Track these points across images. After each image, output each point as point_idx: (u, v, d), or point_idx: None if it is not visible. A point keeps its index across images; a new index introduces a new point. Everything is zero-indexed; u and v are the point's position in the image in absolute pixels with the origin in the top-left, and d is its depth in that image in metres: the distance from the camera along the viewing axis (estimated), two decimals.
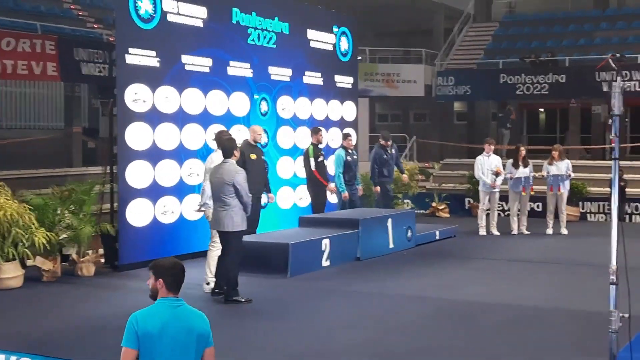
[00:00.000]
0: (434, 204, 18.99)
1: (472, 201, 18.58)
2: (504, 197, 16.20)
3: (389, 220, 13.16)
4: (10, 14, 16.29)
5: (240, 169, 9.28)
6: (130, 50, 11.35)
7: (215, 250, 9.64)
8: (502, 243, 14.45)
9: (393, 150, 15.25)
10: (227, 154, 9.39)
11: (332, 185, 13.47)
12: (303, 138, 14.35)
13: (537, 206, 17.44)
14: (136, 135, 11.41)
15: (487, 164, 15.15)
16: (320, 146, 13.84)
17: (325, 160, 14.05)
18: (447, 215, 18.79)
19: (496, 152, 16.32)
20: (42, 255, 10.50)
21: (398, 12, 30.45)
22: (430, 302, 9.51)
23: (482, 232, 15.33)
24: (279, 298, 9.76)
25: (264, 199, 12.36)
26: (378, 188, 14.77)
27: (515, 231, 15.37)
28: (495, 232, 15.32)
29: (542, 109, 29.99)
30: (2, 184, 10.39)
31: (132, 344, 4.43)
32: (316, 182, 13.48)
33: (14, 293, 9.93)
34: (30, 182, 13.01)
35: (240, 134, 12.64)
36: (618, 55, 6.49)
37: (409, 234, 13.70)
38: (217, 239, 9.57)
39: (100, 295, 9.96)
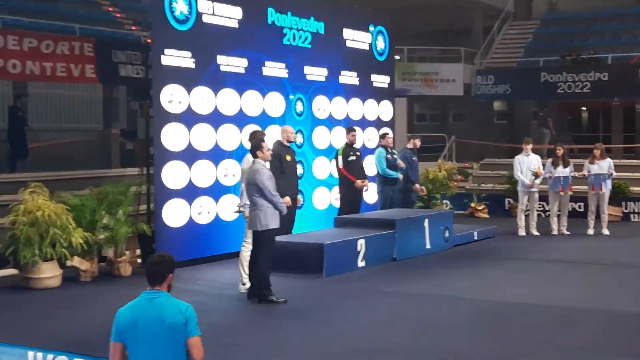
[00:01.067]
0: (472, 205, 18.81)
1: (511, 201, 18.37)
2: (544, 197, 15.99)
3: (426, 220, 13.05)
4: (50, 17, 16.47)
5: (263, 168, 9.20)
6: (166, 51, 11.41)
7: (247, 251, 9.63)
8: (542, 244, 14.25)
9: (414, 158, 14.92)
10: (252, 154, 9.38)
11: (359, 181, 13.31)
12: (339, 138, 14.29)
13: (579, 206, 17.17)
14: (172, 136, 11.46)
15: (526, 164, 14.97)
16: (355, 146, 13.74)
17: (361, 160, 13.90)
18: (486, 215, 18.60)
19: (537, 151, 16.11)
20: (80, 256, 10.59)
21: (436, 11, 30.27)
22: (468, 303, 9.40)
23: (522, 232, 15.14)
24: (314, 299, 9.72)
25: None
26: (417, 186, 14.55)
27: (555, 231, 15.16)
28: (535, 232, 15.12)
29: (584, 108, 29.57)
30: (40, 185, 10.49)
31: (115, 337, 4.66)
32: (344, 180, 13.39)
33: (52, 292, 10.04)
34: (69, 184, 13.12)
35: (275, 135, 12.64)
36: None
37: (447, 234, 13.58)
38: (249, 240, 9.56)
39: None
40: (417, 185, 14.43)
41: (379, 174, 14.19)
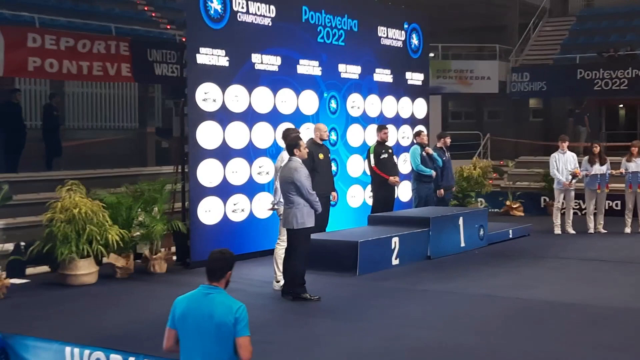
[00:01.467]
0: (507, 203, 18.69)
1: (547, 199, 18.21)
2: (580, 195, 15.83)
3: (461, 218, 12.98)
4: (86, 17, 16.63)
5: (301, 167, 9.22)
6: (201, 50, 11.48)
7: (281, 249, 9.66)
8: (578, 242, 14.11)
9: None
10: (289, 152, 9.40)
11: (392, 178, 13.24)
12: (373, 136, 14.25)
13: (616, 204, 16.95)
14: (207, 135, 11.54)
15: (562, 162, 14.84)
16: (388, 144, 13.69)
17: (393, 158, 13.83)
18: (522, 213, 18.46)
19: (573, 149, 15.95)
20: (116, 253, 10.69)
21: (471, 8, 30.08)
22: (502, 302, 9.34)
23: (557, 230, 15.01)
24: (348, 296, 9.72)
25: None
26: (442, 191, 14.44)
27: (591, 230, 15.00)
28: (571, 230, 14.98)
29: (621, 105, 29.20)
30: (77, 183, 10.61)
31: (170, 323, 4.84)
32: (376, 177, 13.35)
33: (89, 289, 10.16)
34: (105, 181, 13.24)
35: (309, 133, 12.65)
36: None
37: (481, 232, 13.50)
38: (284, 237, 9.59)
39: (172, 292, 9.98)
40: (441, 191, 14.25)
41: (413, 171, 14.14)
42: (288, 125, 12.11)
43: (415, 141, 14.49)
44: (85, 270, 10.32)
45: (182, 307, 4.80)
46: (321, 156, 11.65)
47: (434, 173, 13.98)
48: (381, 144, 13.43)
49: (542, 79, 24.77)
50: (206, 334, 4.65)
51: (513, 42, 28.70)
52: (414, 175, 14.24)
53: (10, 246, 10.75)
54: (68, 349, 6.97)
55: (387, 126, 13.97)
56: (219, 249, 5.14)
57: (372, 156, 13.28)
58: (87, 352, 6.88)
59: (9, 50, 13.31)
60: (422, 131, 14.65)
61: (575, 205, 16.06)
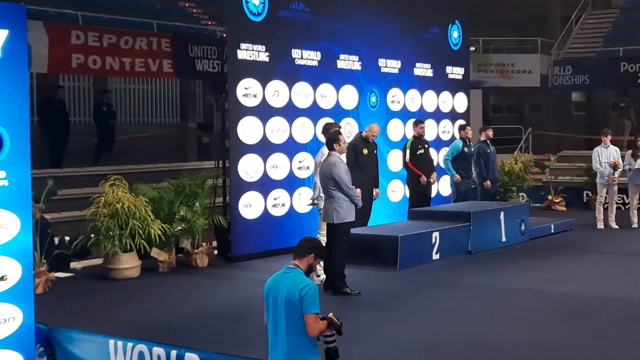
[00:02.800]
0: (549, 197, 18.50)
1: (590, 194, 17.99)
2: (623, 190, 15.62)
3: (502, 213, 12.90)
4: (128, 13, 16.80)
5: (340, 161, 9.21)
6: (241, 45, 11.55)
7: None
8: (621, 237, 13.93)
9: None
10: (328, 147, 9.40)
11: (424, 178, 13.15)
12: (412, 131, 14.20)
13: None
14: (247, 130, 11.61)
15: (605, 156, 14.65)
16: (426, 138, 13.62)
17: (429, 153, 13.75)
18: (564, 208, 18.26)
19: (616, 143, 15.73)
20: (158, 247, 10.80)
21: (513, 1, 29.81)
22: (544, 296, 9.27)
23: (600, 225, 14.83)
24: (388, 291, 9.72)
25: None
26: (489, 182, 14.38)
27: (635, 224, 14.78)
28: (614, 225, 14.79)
29: None
30: (119, 178, 10.73)
31: (264, 301, 5.16)
32: (411, 173, 13.29)
33: (132, 283, 10.28)
34: (147, 176, 13.39)
35: (349, 127, 12.67)
36: None
37: (523, 227, 13.40)
38: (324, 232, 9.61)
39: (214, 286, 10.17)
40: (488, 182, 14.20)
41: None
42: (328, 120, 12.13)
43: (460, 135, 14.39)
44: (128, 264, 10.44)
45: (268, 285, 5.14)
46: (365, 151, 11.64)
47: (457, 177, 13.83)
48: (418, 139, 13.35)
49: (584, 72, 24.46)
50: (280, 310, 4.98)
51: (555, 35, 28.37)
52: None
53: (55, 240, 10.92)
54: (112, 341, 7.08)
55: (425, 121, 13.91)
56: (313, 237, 5.61)
57: (408, 151, 13.19)
58: (130, 344, 6.98)
59: (53, 47, 13.51)
60: (467, 125, 14.53)
61: (619, 200, 15.86)
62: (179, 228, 11.32)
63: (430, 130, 14.77)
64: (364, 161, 11.55)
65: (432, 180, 13.44)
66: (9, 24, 6.34)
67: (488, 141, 14.55)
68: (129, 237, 10.30)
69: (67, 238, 10.98)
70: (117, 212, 10.26)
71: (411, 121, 14.15)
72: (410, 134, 14.17)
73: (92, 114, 16.29)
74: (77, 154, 14.99)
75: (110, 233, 10.27)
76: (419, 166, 13.14)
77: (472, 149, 14.13)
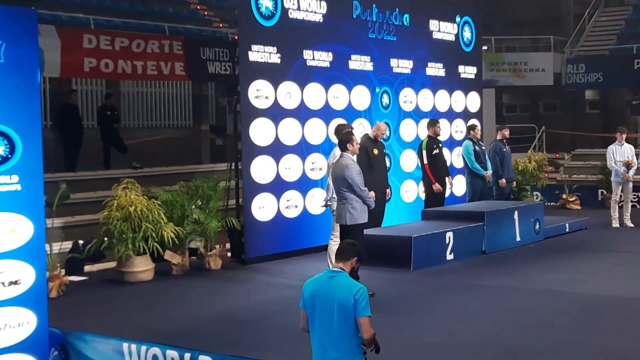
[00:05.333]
0: (564, 196, 18.41)
1: (604, 192, 17.89)
2: (639, 188, 15.51)
3: (516, 212, 12.83)
4: (140, 17, 16.84)
5: (352, 163, 9.16)
6: (253, 47, 11.54)
7: (335, 244, 9.65)
8: (637, 235, 13.83)
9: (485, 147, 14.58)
10: (340, 148, 9.36)
11: (437, 185, 13.07)
12: (426, 130, 14.15)
13: None
14: (259, 131, 11.60)
15: (620, 154, 14.56)
16: (440, 138, 13.57)
17: (445, 152, 13.71)
18: (578, 207, 18.17)
19: (630, 141, 15.64)
20: (171, 250, 10.80)
21: (525, 0, 29.71)
22: (561, 297, 9.20)
23: (615, 224, 14.73)
24: (403, 292, 9.69)
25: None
26: (504, 180, 14.34)
27: None
28: (629, 224, 14.69)
29: None
30: (132, 181, 10.74)
31: (302, 304, 5.20)
32: (426, 175, 13.23)
33: (145, 286, 10.28)
34: (161, 179, 13.40)
35: (361, 128, 12.62)
36: None
37: (537, 226, 13.32)
38: (337, 233, 9.57)
39: (228, 288, 10.16)
40: (503, 180, 14.17)
41: (467, 166, 14.02)
42: (340, 121, 12.10)
43: (469, 136, 14.37)
44: (142, 267, 10.45)
45: (310, 288, 5.15)
46: (376, 152, 11.60)
47: (487, 174, 13.85)
48: (433, 139, 13.29)
49: (598, 70, 24.36)
50: (330, 313, 4.99)
51: (568, 33, 28.25)
52: (467, 170, 14.12)
53: (68, 244, 10.94)
54: (126, 345, 7.08)
55: (439, 120, 13.87)
56: (353, 240, 5.67)
57: (424, 152, 13.13)
58: (144, 348, 6.98)
59: (66, 51, 13.55)
60: (477, 126, 14.51)
61: (634, 198, 15.75)
62: (192, 230, 11.31)
63: (443, 130, 14.71)
64: (375, 162, 11.51)
65: (450, 186, 13.43)
66: (21, 29, 6.36)
67: (504, 140, 14.51)
68: (142, 240, 10.30)
69: (80, 242, 10.99)
70: (130, 216, 10.27)
71: (425, 121, 14.10)
72: (422, 134, 14.14)
73: (97, 118, 16.28)
74: (91, 157, 15.02)
75: (124, 236, 10.29)
76: (434, 167, 13.07)
77: (482, 148, 14.09)
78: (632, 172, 14.51)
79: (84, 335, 7.42)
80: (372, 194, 9.59)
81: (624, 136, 14.78)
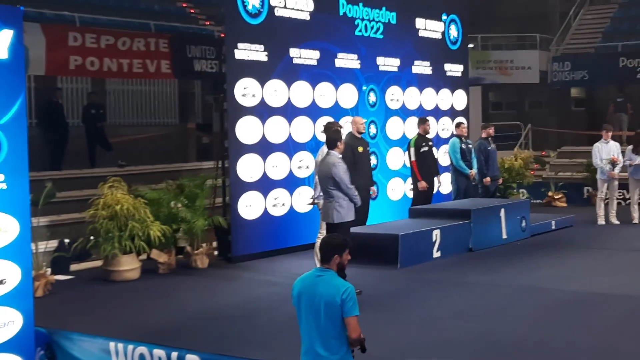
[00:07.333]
0: (550, 194, 18.48)
1: (590, 190, 17.97)
2: (624, 185, 15.59)
3: (502, 210, 12.87)
4: (126, 15, 16.76)
5: (339, 161, 9.17)
6: (239, 45, 11.52)
7: None
8: (622, 232, 13.91)
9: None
10: (329, 146, 9.35)
11: (423, 183, 13.10)
12: (412, 128, 14.16)
13: None
14: (246, 129, 11.58)
15: (605, 151, 14.62)
16: (428, 136, 13.60)
17: (434, 150, 13.74)
18: (564, 204, 18.23)
19: (615, 138, 15.71)
20: (158, 248, 10.77)
21: None
22: (547, 293, 9.25)
23: (601, 221, 14.80)
24: (390, 289, 9.70)
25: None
26: (489, 179, 14.35)
27: (636, 220, 14.75)
28: (615, 221, 14.76)
29: None
30: (118, 180, 10.71)
31: (293, 302, 5.18)
32: (414, 173, 13.24)
33: (132, 285, 10.25)
34: (147, 178, 13.35)
35: (349, 126, 12.61)
36: None
37: (523, 224, 13.37)
38: (324, 231, 9.57)
39: (214, 287, 10.15)
40: (488, 178, 14.20)
41: (452, 163, 14.05)
42: (327, 119, 12.10)
43: (454, 133, 14.41)
44: (128, 266, 10.42)
45: (298, 287, 5.14)
46: (361, 149, 11.59)
47: (472, 172, 13.86)
48: (422, 137, 13.33)
49: (583, 67, 24.44)
50: (317, 312, 4.99)
51: (554, 31, 28.34)
52: (453, 168, 14.15)
53: (54, 243, 10.90)
54: (112, 344, 7.06)
55: (428, 118, 13.90)
56: (329, 235, 5.69)
57: (412, 150, 13.16)
58: (130, 347, 6.96)
59: (51, 49, 13.47)
60: (462, 123, 14.55)
61: (619, 195, 15.82)
62: (179, 229, 11.28)
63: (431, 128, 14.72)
64: (360, 160, 11.49)
65: (438, 184, 13.47)
66: (6, 26, 6.32)
67: (489, 139, 14.54)
68: (128, 239, 10.27)
69: (66, 240, 10.94)
70: (116, 214, 10.23)
71: (412, 119, 14.12)
72: (409, 132, 14.17)
73: (81, 116, 16.19)
74: (77, 156, 14.95)
75: (110, 235, 10.26)
76: (422, 165, 13.09)
77: (469, 146, 14.11)
78: (617, 169, 14.57)
79: (70, 335, 7.39)
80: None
81: (610, 134, 14.85)
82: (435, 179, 13.41)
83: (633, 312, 8.37)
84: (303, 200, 12.10)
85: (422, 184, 13.03)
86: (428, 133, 13.47)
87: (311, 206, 11.01)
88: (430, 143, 13.41)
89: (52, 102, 14.97)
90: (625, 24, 27.22)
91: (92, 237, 10.55)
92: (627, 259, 11.55)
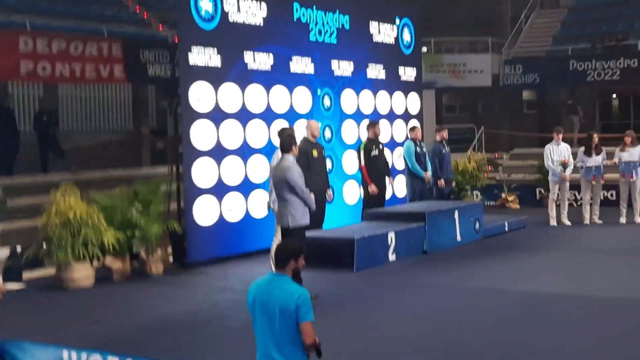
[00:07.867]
0: (503, 195, 18.70)
1: (542, 191, 18.22)
2: (575, 187, 15.85)
3: (456, 212, 13.00)
4: (78, 20, 16.58)
5: (293, 165, 9.18)
6: (193, 49, 11.47)
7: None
8: (574, 233, 14.14)
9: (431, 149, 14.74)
10: (283, 149, 9.35)
11: (373, 187, 13.15)
12: (366, 132, 14.23)
13: (611, 194, 17.01)
14: (200, 134, 11.53)
15: (557, 153, 14.84)
16: (381, 139, 13.64)
17: (387, 152, 13.78)
18: (517, 206, 18.46)
19: (567, 140, 15.95)
20: (112, 255, 10.67)
21: (463, 1, 30.09)
22: (500, 295, 9.36)
23: (553, 222, 15.01)
24: (346, 293, 9.73)
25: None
26: (442, 181, 14.47)
27: (587, 221, 15.01)
28: (567, 222, 14.99)
29: (614, 95, 29.21)
30: (71, 185, 10.58)
31: (249, 307, 5.12)
32: (364, 177, 13.28)
33: (86, 292, 10.14)
34: (101, 183, 13.22)
35: (303, 131, 12.63)
36: None
37: (477, 225, 13.51)
38: (280, 236, 9.57)
39: (170, 293, 10.09)
40: (442, 181, 14.32)
41: (407, 166, 14.14)
42: (282, 123, 12.10)
43: (409, 136, 14.50)
44: (82, 273, 10.31)
45: (253, 293, 5.10)
46: (315, 153, 11.61)
47: (427, 175, 13.96)
48: (372, 141, 13.34)
49: (535, 70, 24.79)
50: (271, 318, 4.95)
51: (505, 35, 28.71)
52: (408, 171, 14.24)
53: (6, 251, 10.74)
54: (65, 352, 6.94)
55: (380, 121, 13.94)
56: (285, 240, 5.67)
57: (362, 154, 13.18)
58: (84, 355, 6.86)
59: (1, 54, 13.29)
60: (416, 126, 14.65)
61: (571, 197, 16.06)
62: (133, 236, 11.17)
63: (384, 131, 14.79)
64: (315, 163, 11.51)
65: (390, 186, 13.55)
66: None
67: (443, 141, 14.67)
68: (82, 246, 10.18)
69: (18, 248, 10.79)
70: (69, 221, 10.12)
71: (365, 122, 14.18)
72: (364, 135, 14.20)
73: (33, 122, 15.97)
74: (28, 162, 14.73)
75: (63, 242, 10.13)
76: (372, 169, 13.11)
77: (424, 149, 14.22)
78: (568, 171, 14.80)
79: (22, 344, 7.28)
80: (312, 195, 9.60)
81: (561, 136, 15.07)
82: (387, 181, 13.46)
83: (584, 312, 8.50)
84: (258, 204, 12.08)
85: (372, 188, 13.06)
86: (378, 136, 13.50)
87: (267, 211, 10.98)
88: (380, 146, 13.43)
89: (2, 108, 14.74)
90: (575, 28, 27.66)
91: (44, 245, 10.41)
92: (580, 259, 11.75)
